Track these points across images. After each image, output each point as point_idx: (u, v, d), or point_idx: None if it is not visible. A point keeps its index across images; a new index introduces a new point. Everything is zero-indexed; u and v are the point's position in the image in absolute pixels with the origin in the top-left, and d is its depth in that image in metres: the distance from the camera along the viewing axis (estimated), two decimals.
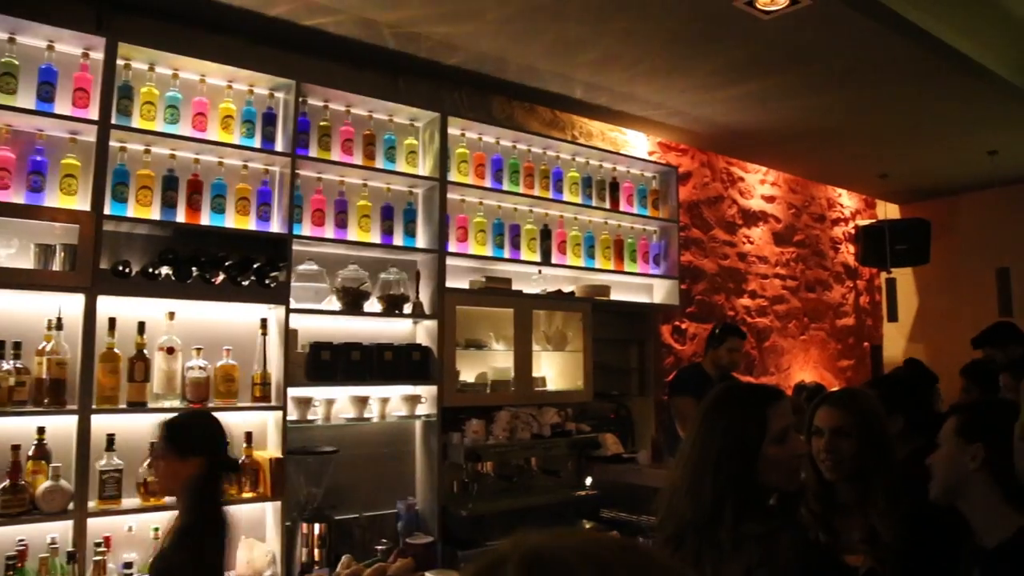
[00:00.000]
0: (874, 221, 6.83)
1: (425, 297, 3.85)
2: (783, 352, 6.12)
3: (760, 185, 6.09)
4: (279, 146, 3.48)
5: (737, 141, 5.27)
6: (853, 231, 6.97)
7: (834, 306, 6.70)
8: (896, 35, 3.64)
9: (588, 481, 4.16)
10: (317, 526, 3.22)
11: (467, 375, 4.05)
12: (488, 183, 4.18)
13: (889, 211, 7.21)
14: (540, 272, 4.27)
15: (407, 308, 3.77)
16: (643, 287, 4.93)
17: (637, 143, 5.17)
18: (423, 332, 3.87)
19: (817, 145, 5.39)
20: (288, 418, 3.34)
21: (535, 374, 4.21)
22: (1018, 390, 2.93)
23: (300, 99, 3.53)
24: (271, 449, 3.33)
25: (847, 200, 7.03)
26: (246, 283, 3.23)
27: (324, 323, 3.61)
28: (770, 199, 6.17)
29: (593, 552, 0.55)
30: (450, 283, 3.91)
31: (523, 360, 4.04)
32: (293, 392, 3.38)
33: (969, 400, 3.21)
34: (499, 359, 4.13)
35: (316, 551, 3.19)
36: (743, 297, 5.83)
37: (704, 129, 4.98)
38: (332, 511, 3.33)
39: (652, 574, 0.56)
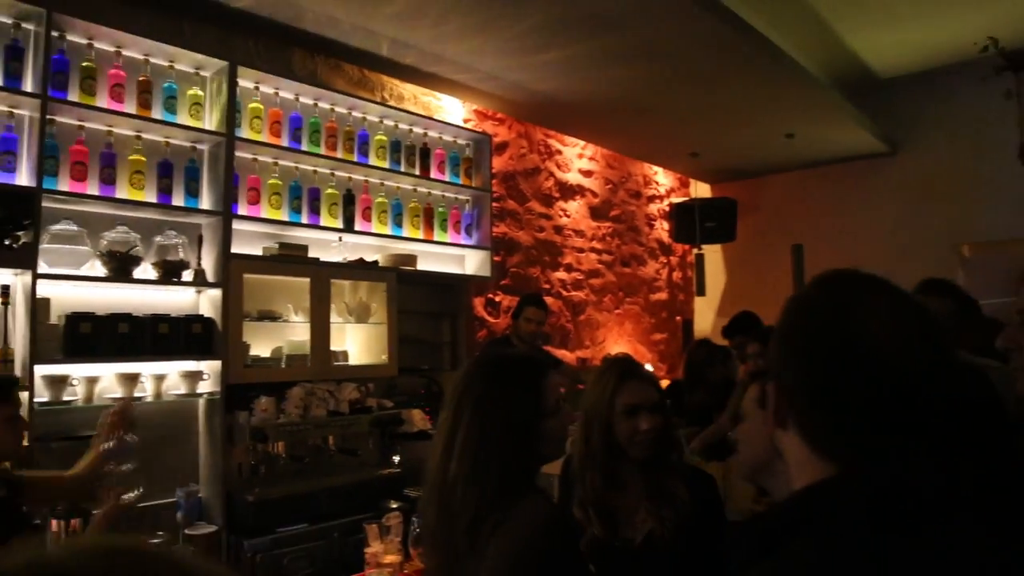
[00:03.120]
0: (686, 200, 7.12)
1: (208, 264, 3.55)
2: (598, 325, 6.25)
3: (578, 159, 6.16)
4: (28, 86, 3.06)
5: (552, 111, 5.27)
6: (668, 208, 7.23)
7: (648, 281, 6.94)
8: (699, 9, 3.72)
9: (396, 459, 4.03)
10: (70, 521, 2.87)
11: (261, 349, 3.81)
12: (285, 142, 3.93)
13: (702, 190, 7.56)
14: (340, 239, 4.07)
15: (187, 275, 3.46)
16: (454, 258, 4.84)
17: (452, 109, 5.06)
18: (207, 302, 3.58)
19: (629, 120, 5.50)
20: (37, 400, 2.97)
21: (336, 348, 4.03)
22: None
23: (55, 33, 3.12)
24: None
25: (663, 178, 7.28)
26: None
27: (89, 292, 3.24)
28: (588, 173, 6.26)
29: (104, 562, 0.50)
30: (240, 249, 3.65)
31: (320, 333, 3.84)
32: (43, 370, 3.01)
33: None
34: (298, 332, 3.90)
35: None
36: (559, 270, 5.89)
37: (519, 97, 4.94)
38: (91, 504, 2.99)
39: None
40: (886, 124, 6.27)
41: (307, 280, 3.83)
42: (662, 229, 7.16)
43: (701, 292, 6.75)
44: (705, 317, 7.49)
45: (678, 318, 7.33)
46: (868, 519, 0.82)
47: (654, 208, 7.11)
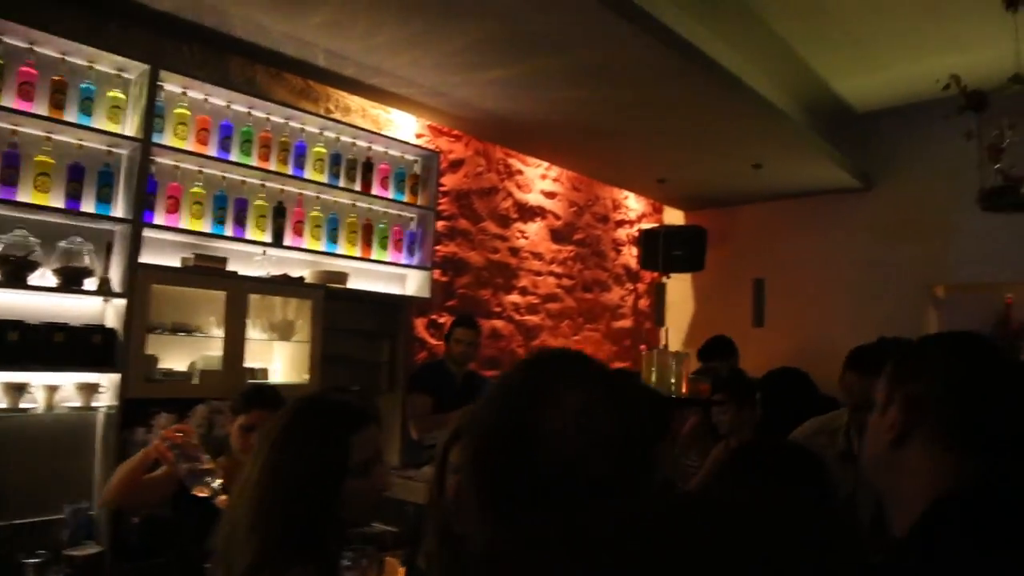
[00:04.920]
0: (655, 226, 6.98)
1: (116, 273, 3.42)
2: None
3: (540, 180, 6.02)
4: None
5: (507, 130, 5.14)
6: (637, 234, 7.08)
7: (611, 307, 6.77)
8: (648, 36, 3.57)
9: None
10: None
11: (176, 363, 3.68)
12: (212, 151, 3.81)
13: (675, 217, 7.42)
14: (264, 253, 3.94)
15: (90, 284, 3.33)
16: (396, 277, 4.71)
17: (404, 124, 4.93)
18: (114, 313, 3.44)
19: (590, 143, 5.36)
20: None
21: (257, 365, 3.89)
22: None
23: None
24: None
25: (634, 203, 7.13)
26: None
27: None
28: (550, 195, 6.12)
29: None
30: (158, 259, 3.54)
31: (234, 348, 3.71)
32: None
33: None
34: (216, 347, 3.76)
35: None
36: (512, 293, 5.73)
37: (471, 114, 4.81)
38: None
39: None
40: (862, 158, 6.13)
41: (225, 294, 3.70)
42: (630, 255, 7.00)
43: (660, 322, 6.58)
44: (672, 347, 7.31)
45: (642, 347, 7.13)
46: None
47: (623, 233, 6.95)
